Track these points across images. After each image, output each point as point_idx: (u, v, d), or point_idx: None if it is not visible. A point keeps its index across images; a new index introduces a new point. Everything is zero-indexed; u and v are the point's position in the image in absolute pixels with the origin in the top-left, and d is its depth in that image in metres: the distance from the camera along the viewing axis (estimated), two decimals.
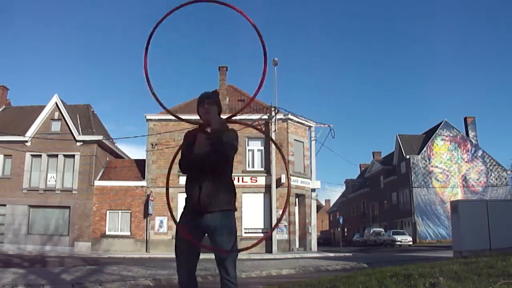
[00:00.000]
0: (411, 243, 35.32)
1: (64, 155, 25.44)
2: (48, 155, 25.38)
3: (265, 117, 24.64)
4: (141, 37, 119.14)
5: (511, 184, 42.46)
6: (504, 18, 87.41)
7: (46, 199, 24.75)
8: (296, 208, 24.77)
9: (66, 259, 16.14)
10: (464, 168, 42.02)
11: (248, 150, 24.49)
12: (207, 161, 2.95)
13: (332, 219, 73.35)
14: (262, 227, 23.62)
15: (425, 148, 42.39)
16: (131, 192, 24.25)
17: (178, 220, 3.11)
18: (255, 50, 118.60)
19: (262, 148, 24.63)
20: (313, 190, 25.77)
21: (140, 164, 25.58)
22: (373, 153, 59.15)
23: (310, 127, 26.39)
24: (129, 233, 23.90)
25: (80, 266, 10.82)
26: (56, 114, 25.93)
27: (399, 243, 34.78)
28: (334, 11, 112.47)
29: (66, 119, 25.61)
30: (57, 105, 25.99)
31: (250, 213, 23.37)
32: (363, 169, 64.00)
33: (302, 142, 25.68)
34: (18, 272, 8.24)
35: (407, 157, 42.41)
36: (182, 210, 3.12)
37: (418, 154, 42.34)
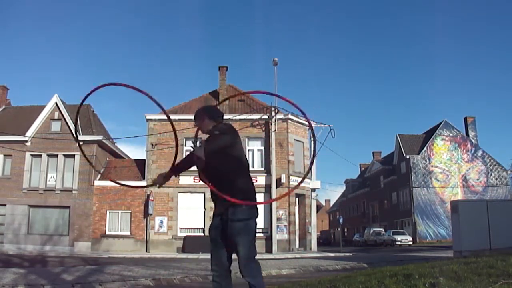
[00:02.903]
0: (411, 243, 35.32)
1: (64, 155, 25.45)
2: (48, 155, 25.39)
3: (265, 117, 24.66)
4: (142, 37, 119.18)
5: (511, 184, 42.45)
6: (505, 18, 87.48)
7: (46, 199, 24.76)
8: (296, 208, 24.78)
9: (66, 259, 16.15)
10: (464, 168, 42.02)
11: (248, 150, 24.49)
12: None
13: (332, 219, 73.36)
14: (262, 227, 23.62)
15: (425, 148, 42.39)
16: (131, 192, 24.23)
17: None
18: (255, 50, 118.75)
19: (262, 148, 24.63)
20: (313, 190, 25.77)
21: (140, 164, 25.59)
22: (373, 153, 59.16)
23: None
24: (129, 233, 23.91)
25: (80, 266, 10.83)
26: (56, 114, 25.95)
27: (399, 243, 34.78)
28: (334, 10, 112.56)
29: (66, 119, 25.62)
30: (57, 105, 26.00)
31: None
32: (363, 169, 63.99)
33: (302, 142, 25.68)
34: (18, 272, 8.24)
35: (407, 157, 42.42)
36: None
37: (418, 154, 42.34)
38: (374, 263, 11.27)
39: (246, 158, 3.61)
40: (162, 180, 3.62)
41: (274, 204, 23.13)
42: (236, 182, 3.38)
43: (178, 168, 3.65)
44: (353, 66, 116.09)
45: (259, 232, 23.37)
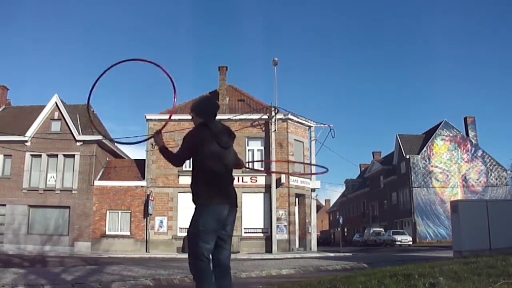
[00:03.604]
0: (411, 243, 35.32)
1: (64, 155, 25.45)
2: (48, 155, 25.38)
3: (265, 117, 24.66)
4: (142, 37, 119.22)
5: (511, 184, 42.44)
6: (505, 17, 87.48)
7: (46, 199, 24.76)
8: (296, 208, 24.77)
9: (66, 259, 16.15)
10: (464, 168, 42.02)
11: (248, 150, 24.49)
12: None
13: (332, 219, 73.36)
14: (262, 227, 23.64)
15: (425, 148, 42.39)
16: (131, 192, 24.26)
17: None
18: (255, 50, 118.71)
19: (262, 148, 24.62)
20: (313, 190, 25.78)
21: (140, 164, 25.60)
22: (373, 153, 59.19)
23: (310, 127, 26.39)
24: (129, 233, 23.92)
25: (80, 266, 10.83)
26: (56, 114, 25.95)
27: (399, 243, 34.77)
28: (334, 10, 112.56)
29: (66, 119, 25.62)
30: (57, 105, 26.00)
31: (250, 213, 23.37)
32: (363, 169, 63.98)
33: (302, 142, 25.67)
34: (18, 272, 8.23)
35: (407, 157, 42.42)
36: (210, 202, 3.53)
37: (418, 154, 42.34)
38: (374, 263, 11.27)
39: (215, 160, 3.48)
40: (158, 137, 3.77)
41: (274, 204, 23.14)
42: (192, 185, 3.60)
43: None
44: (353, 66, 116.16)
45: (259, 232, 23.43)
